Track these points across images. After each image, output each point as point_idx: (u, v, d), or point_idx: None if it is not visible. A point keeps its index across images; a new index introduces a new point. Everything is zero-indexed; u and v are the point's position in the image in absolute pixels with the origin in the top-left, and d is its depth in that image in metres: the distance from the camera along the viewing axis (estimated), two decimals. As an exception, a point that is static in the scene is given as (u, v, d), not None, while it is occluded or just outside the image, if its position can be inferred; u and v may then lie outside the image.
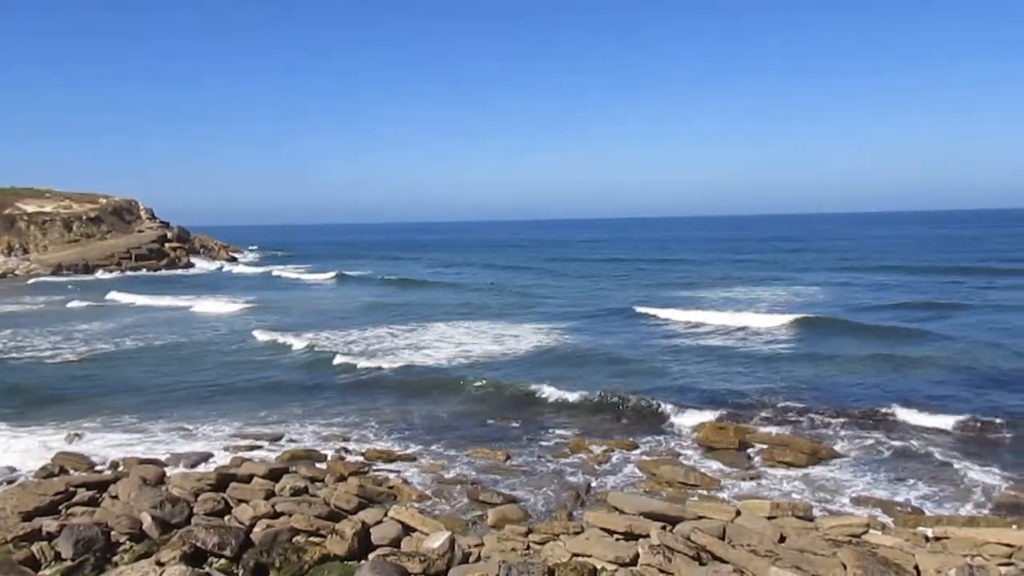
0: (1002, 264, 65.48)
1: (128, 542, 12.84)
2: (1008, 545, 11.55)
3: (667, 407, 21.93)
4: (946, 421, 19.73)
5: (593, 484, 16.56)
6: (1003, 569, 10.86)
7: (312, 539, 12.87)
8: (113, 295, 57.41)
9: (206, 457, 18.53)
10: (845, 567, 10.58)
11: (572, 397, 23.30)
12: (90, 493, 15.01)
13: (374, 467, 17.91)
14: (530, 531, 13.07)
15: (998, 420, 19.71)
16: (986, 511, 14.52)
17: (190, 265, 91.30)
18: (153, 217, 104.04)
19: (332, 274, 75.21)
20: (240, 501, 14.41)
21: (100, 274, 78.44)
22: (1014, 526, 12.66)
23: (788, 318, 36.19)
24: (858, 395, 22.99)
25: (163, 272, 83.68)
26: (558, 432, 20.55)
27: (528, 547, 12.48)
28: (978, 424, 19.41)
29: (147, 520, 13.20)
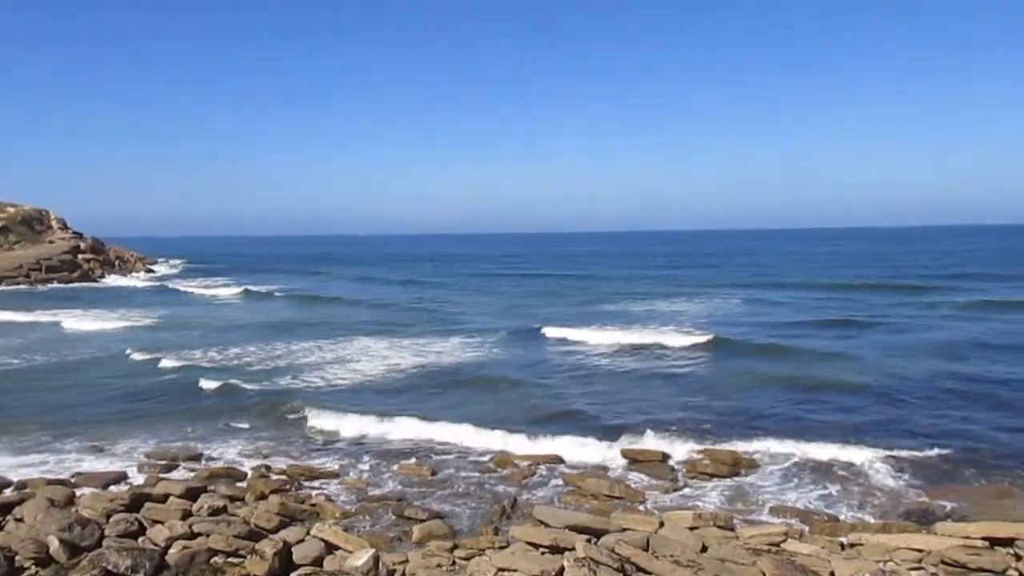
0: (911, 281, 67.71)
1: (34, 567, 12.28)
2: (918, 550, 12.01)
3: (591, 422, 22.19)
4: (859, 434, 20.47)
5: (519, 498, 16.57)
6: (913, 573, 11.29)
7: (231, 560, 12.53)
8: None
9: (120, 477, 17.86)
10: (765, 575, 10.84)
11: (496, 413, 23.29)
12: (-7, 516, 14.31)
13: (296, 485, 17.56)
14: (456, 547, 13.00)
15: (907, 432, 20.63)
16: (897, 518, 15.05)
17: (101, 277, 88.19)
18: (66, 227, 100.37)
19: (239, 289, 72.54)
20: (155, 522, 13.90)
21: (3, 287, 74.73)
22: (923, 531, 13.16)
23: (704, 337, 36.42)
24: (775, 410, 23.58)
25: (73, 285, 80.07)
26: (484, 447, 20.49)
27: (454, 563, 12.40)
28: (889, 437, 20.20)
29: (54, 543, 12.64)
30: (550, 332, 40.24)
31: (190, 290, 74.93)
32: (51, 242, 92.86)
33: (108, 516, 13.98)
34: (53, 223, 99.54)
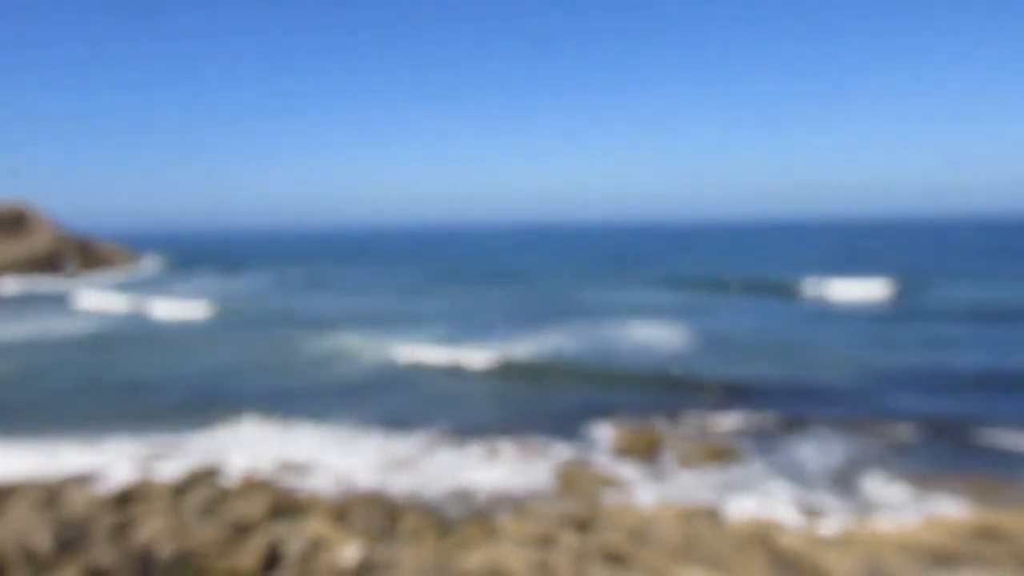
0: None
1: (21, 566, 12.17)
2: (908, 540, 12.12)
3: (582, 414, 22.22)
4: (849, 423, 20.68)
5: (508, 490, 16.55)
6: (902, 562, 11.37)
7: (219, 554, 12.46)
8: None
9: (106, 475, 17.69)
10: (754, 565, 10.89)
11: (483, 406, 23.33)
12: (-23, 514, 14.16)
13: (284, 479, 17.46)
14: (444, 538, 12.98)
15: (897, 425, 20.73)
16: (885, 511, 15.15)
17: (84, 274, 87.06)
18: (49, 225, 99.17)
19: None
20: (142, 518, 13.83)
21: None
22: (913, 522, 13.30)
23: (680, 333, 36.06)
24: (767, 401, 23.63)
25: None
26: (473, 439, 20.46)
27: (443, 554, 12.38)
28: (878, 429, 20.33)
29: (42, 542, 12.54)
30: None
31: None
32: (32, 240, 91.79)
33: (95, 514, 13.89)
34: (36, 220, 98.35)
